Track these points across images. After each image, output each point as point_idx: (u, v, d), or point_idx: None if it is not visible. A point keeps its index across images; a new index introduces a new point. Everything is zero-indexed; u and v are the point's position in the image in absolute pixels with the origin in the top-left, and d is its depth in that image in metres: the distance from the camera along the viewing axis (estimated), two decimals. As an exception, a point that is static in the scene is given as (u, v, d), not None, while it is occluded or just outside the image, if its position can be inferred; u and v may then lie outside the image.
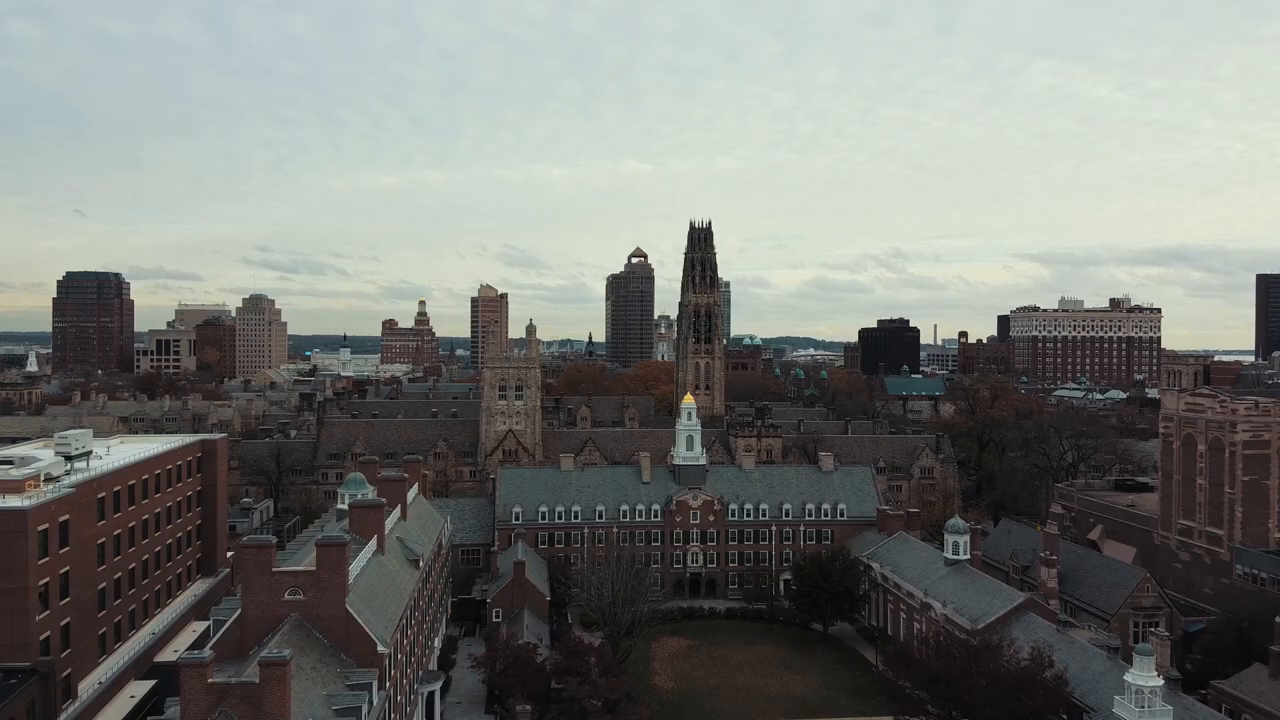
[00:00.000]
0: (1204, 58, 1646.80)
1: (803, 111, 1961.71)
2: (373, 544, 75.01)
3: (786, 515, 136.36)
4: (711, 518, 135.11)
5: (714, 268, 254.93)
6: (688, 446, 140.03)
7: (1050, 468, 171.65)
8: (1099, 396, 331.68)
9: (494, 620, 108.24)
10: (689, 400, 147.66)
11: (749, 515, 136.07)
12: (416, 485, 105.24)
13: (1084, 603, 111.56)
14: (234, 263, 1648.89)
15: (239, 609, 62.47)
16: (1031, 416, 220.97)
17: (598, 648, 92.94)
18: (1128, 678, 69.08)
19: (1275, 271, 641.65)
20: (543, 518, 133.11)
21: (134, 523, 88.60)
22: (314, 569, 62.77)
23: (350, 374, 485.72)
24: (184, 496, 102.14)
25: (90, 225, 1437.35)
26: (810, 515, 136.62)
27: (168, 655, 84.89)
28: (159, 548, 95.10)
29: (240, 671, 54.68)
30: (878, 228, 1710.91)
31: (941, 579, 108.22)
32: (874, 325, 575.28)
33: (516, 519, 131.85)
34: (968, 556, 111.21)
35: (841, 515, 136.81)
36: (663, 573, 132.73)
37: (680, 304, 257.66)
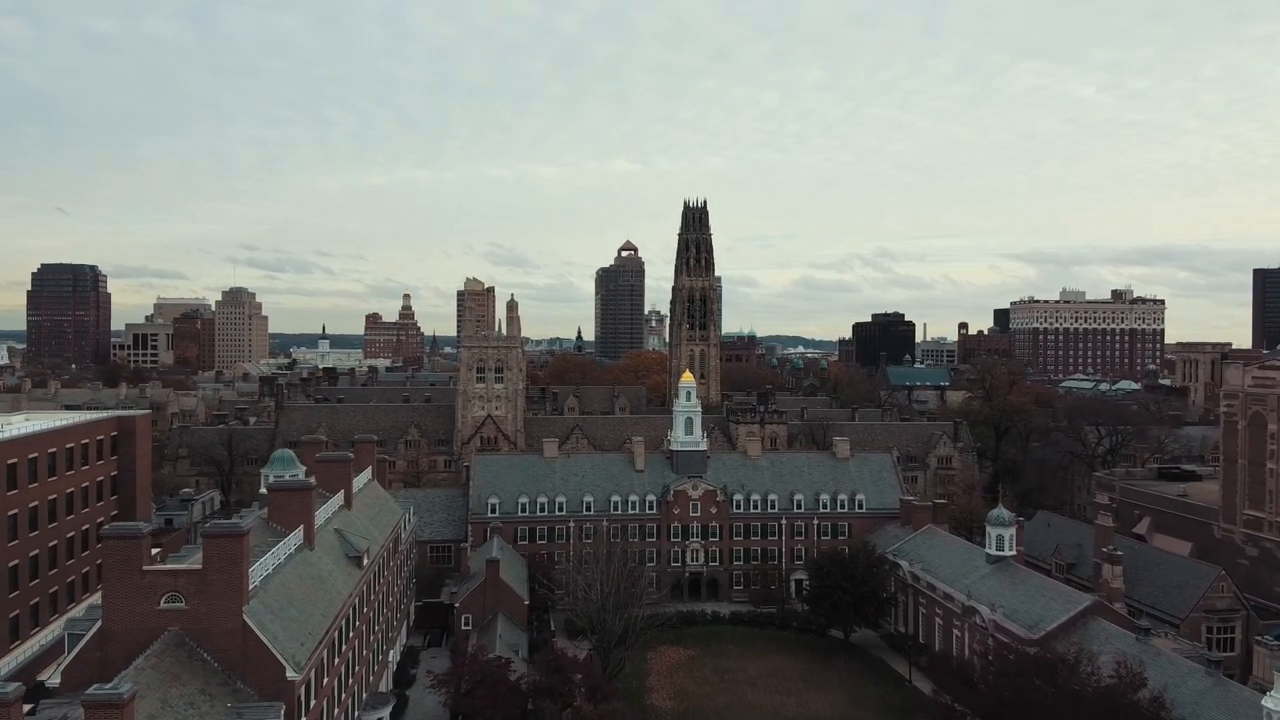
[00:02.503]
0: (1188, 59, 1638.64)
1: (790, 112, 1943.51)
2: (297, 537, 59.13)
3: (798, 507, 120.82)
4: (714, 510, 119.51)
5: (709, 249, 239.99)
6: (686, 430, 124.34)
7: (1087, 456, 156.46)
8: (1109, 387, 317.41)
9: (463, 628, 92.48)
10: (688, 378, 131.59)
11: (756, 507, 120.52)
12: (370, 470, 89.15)
13: (1146, 605, 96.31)
14: (220, 261, 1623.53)
15: (99, 620, 46.67)
16: (1052, 404, 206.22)
17: (584, 662, 77.41)
18: (1268, 703, 53.71)
19: (1271, 267, 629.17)
20: (523, 510, 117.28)
21: (16, 510, 72.51)
22: (199, 567, 46.99)
23: (331, 366, 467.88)
24: (92, 482, 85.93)
25: (76, 224, 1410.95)
26: (825, 507, 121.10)
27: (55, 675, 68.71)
28: (55, 542, 78.95)
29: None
30: (865, 228, 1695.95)
31: (984, 578, 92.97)
32: (866, 320, 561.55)
33: (493, 512, 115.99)
34: (1013, 552, 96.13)
35: (860, 507, 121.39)
36: (659, 572, 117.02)
37: (673, 288, 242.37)
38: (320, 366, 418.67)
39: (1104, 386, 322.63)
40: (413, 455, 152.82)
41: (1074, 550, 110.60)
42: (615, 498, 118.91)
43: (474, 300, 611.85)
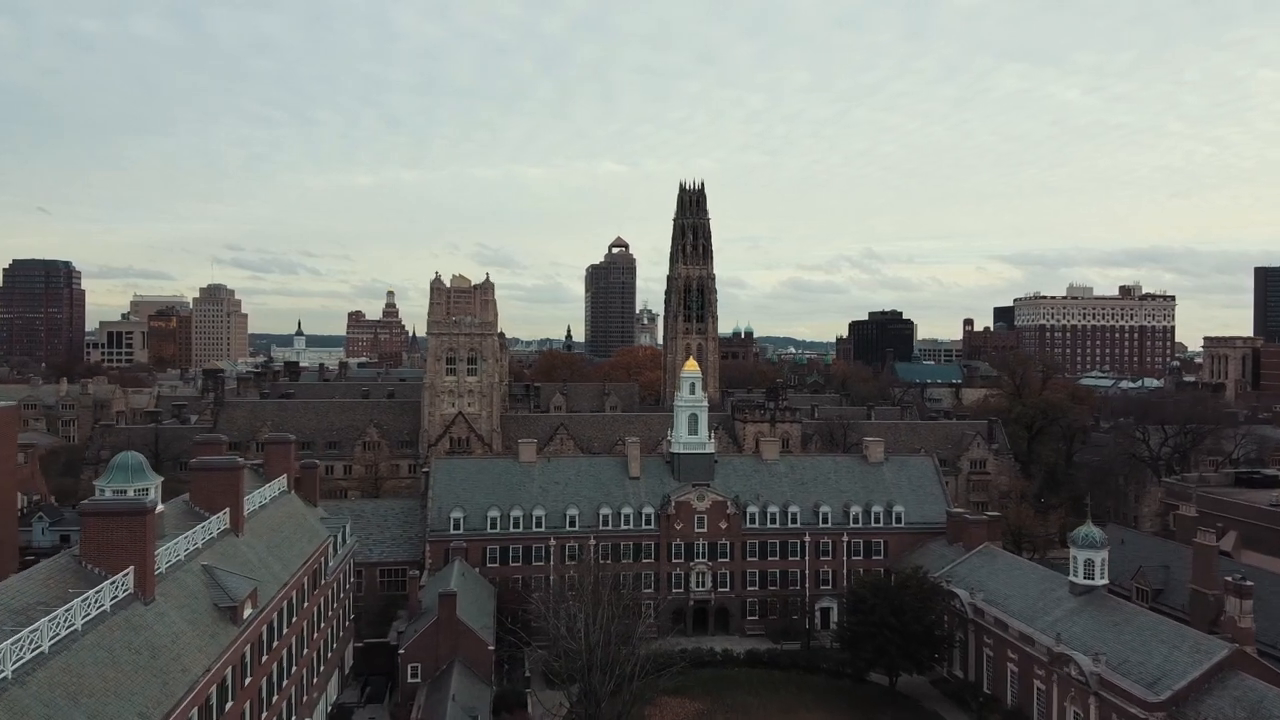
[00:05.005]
0: (1171, 62, 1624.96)
1: (777, 114, 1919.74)
2: (121, 585, 39.11)
3: (824, 521, 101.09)
4: (723, 525, 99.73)
5: (707, 235, 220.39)
6: (690, 429, 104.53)
7: (1150, 459, 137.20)
8: (1131, 385, 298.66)
9: (410, 680, 72.56)
10: (692, 367, 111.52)
11: (773, 521, 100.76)
12: (284, 478, 69.00)
13: (1260, 643, 77.03)
14: (205, 262, 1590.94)
15: None
16: (1086, 401, 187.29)
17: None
18: None
19: (1272, 266, 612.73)
20: (493, 526, 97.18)
21: None
22: None
23: (305, 364, 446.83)
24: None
25: (59, 223, 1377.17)
26: (856, 521, 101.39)
27: None
28: None
29: None
30: (853, 229, 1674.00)
31: (1072, 615, 73.51)
32: (862, 320, 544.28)
33: (456, 528, 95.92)
34: (1104, 581, 76.70)
35: (898, 521, 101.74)
36: (658, 601, 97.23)
37: (669, 277, 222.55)
38: (285, 362, 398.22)
39: (1126, 384, 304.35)
40: (371, 459, 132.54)
41: (1159, 574, 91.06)
42: (605, 510, 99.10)
43: (460, 298, 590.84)
